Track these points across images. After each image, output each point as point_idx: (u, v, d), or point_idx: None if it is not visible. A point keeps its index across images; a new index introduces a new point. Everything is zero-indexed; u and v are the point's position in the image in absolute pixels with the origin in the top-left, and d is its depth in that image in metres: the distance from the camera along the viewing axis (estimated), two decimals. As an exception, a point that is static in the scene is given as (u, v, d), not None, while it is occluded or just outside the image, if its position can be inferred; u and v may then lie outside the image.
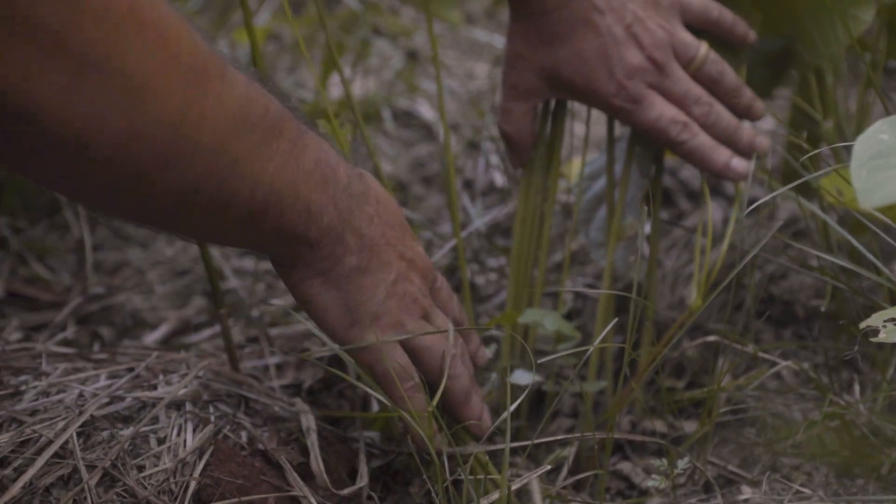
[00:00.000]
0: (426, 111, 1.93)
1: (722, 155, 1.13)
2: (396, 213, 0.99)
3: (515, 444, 1.10)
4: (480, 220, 1.49)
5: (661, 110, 1.11)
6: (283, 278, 0.95)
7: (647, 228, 1.40)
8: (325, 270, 0.93)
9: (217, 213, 0.82)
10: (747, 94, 1.17)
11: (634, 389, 1.14)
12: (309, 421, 1.04)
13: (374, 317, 0.95)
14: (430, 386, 1.00)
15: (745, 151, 1.15)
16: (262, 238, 0.89)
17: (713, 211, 1.62)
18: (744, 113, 1.17)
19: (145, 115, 0.72)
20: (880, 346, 1.08)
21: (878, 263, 1.05)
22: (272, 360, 1.27)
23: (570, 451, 1.14)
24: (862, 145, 0.79)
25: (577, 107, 1.23)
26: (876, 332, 0.87)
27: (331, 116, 1.08)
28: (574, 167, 1.56)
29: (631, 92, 1.11)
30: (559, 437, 1.14)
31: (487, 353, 1.14)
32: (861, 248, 1.03)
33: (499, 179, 1.71)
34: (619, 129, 1.22)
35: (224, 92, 0.77)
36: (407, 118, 1.93)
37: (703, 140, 1.13)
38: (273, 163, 0.83)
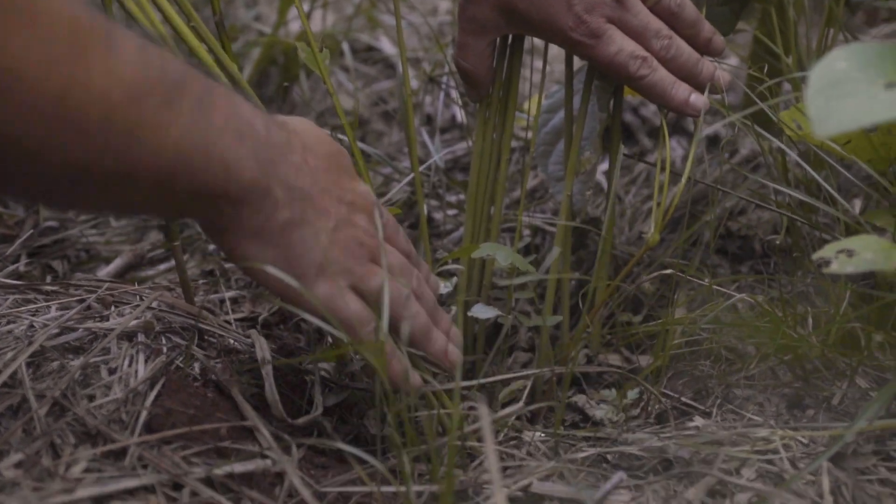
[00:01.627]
0: (387, 46, 1.90)
1: (681, 90, 1.12)
2: (331, 155, 0.96)
3: (468, 383, 1.10)
4: (439, 155, 1.48)
5: (620, 45, 1.10)
6: (218, 245, 0.92)
7: (606, 163, 1.39)
8: (257, 229, 0.89)
9: (120, 184, 0.79)
10: (707, 28, 1.16)
11: (590, 324, 1.14)
12: (264, 352, 1.03)
13: (318, 268, 0.92)
14: (392, 328, 0.98)
15: (704, 86, 1.14)
16: (180, 204, 0.86)
17: (674, 148, 1.61)
18: (703, 48, 1.16)
19: (24, 98, 0.71)
20: (834, 279, 1.08)
21: (836, 195, 1.05)
22: (228, 294, 1.26)
23: (525, 385, 1.14)
24: (818, 73, 0.78)
25: (538, 43, 1.22)
26: (828, 263, 0.87)
27: (312, 41, 1.07)
28: (534, 104, 1.55)
29: (590, 26, 1.09)
30: (514, 375, 1.14)
31: (446, 285, 1.14)
32: (819, 178, 1.03)
33: (459, 115, 1.70)
34: (578, 63, 1.21)
35: (111, 62, 0.75)
36: (368, 54, 1.91)
37: (662, 75, 1.12)
38: (177, 125, 0.80)
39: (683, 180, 1.09)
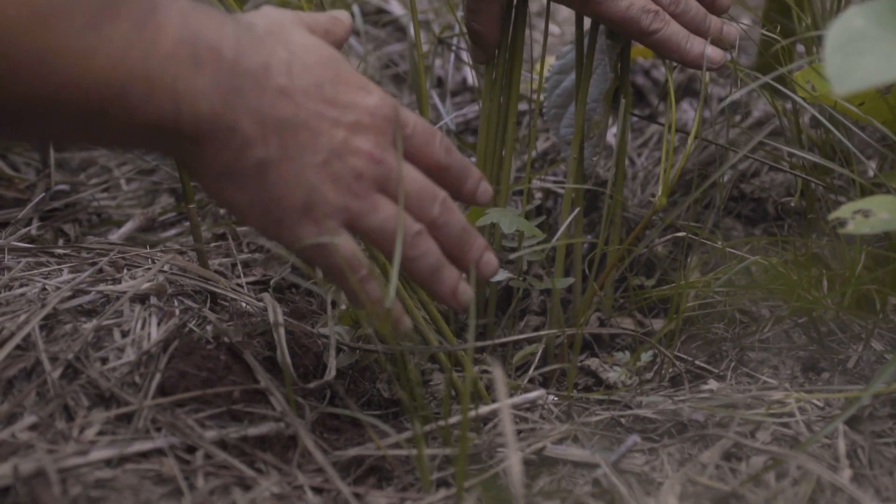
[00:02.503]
0: (397, 8, 1.89)
1: (696, 44, 1.10)
2: (325, 64, 0.83)
3: (481, 344, 1.10)
4: (450, 117, 1.47)
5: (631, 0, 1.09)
6: (198, 183, 0.84)
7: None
8: (226, 168, 0.80)
9: (40, 113, 0.73)
10: None
11: (601, 287, 1.14)
12: (276, 314, 1.03)
13: (303, 210, 0.82)
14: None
15: (714, 40, 1.12)
16: (128, 137, 0.77)
17: (686, 110, 1.60)
18: (709, 5, 1.14)
19: None
20: (849, 240, 1.07)
21: (857, 152, 1.04)
22: (240, 258, 1.25)
23: (537, 348, 1.13)
24: (836, 31, 0.77)
25: (546, 6, 1.20)
26: (844, 223, 0.87)
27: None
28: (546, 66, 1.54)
29: None
30: (525, 336, 1.14)
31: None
32: (839, 135, 1.02)
33: (470, 78, 1.69)
34: (588, 23, 1.20)
35: None
36: (377, 16, 1.90)
37: (675, 29, 1.10)
38: (104, 51, 0.71)
39: (690, 141, 1.09)
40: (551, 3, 1.15)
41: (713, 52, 1.11)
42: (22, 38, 0.68)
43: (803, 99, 1.12)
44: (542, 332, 1.13)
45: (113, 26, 0.71)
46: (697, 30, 1.12)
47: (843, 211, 0.88)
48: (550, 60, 1.30)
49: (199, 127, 0.77)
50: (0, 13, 0.67)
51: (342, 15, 0.92)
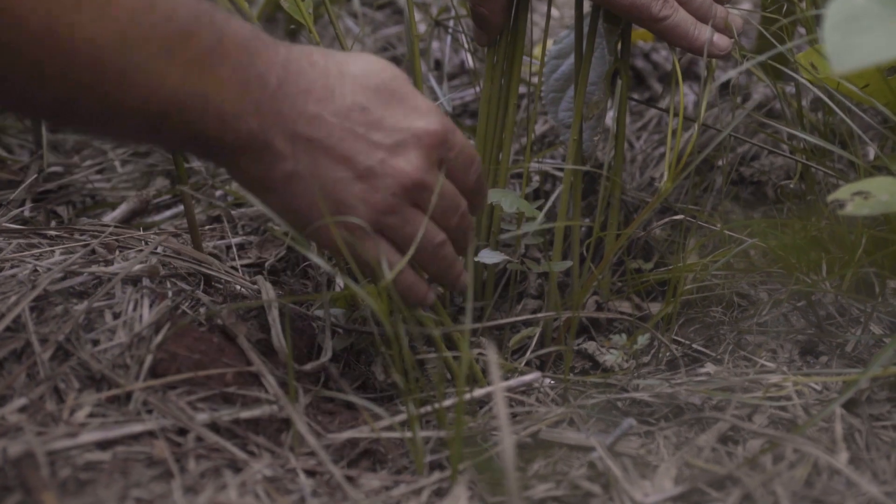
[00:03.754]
0: (395, -9, 1.88)
1: (704, 31, 1.10)
2: (380, 93, 0.90)
3: (476, 326, 1.09)
4: (446, 98, 1.46)
5: None
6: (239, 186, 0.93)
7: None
8: (258, 177, 0.88)
9: (109, 121, 0.83)
10: None
11: (600, 271, 1.13)
12: (270, 296, 1.02)
13: (333, 218, 0.89)
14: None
15: (719, 28, 1.11)
16: (176, 144, 0.89)
17: (686, 93, 1.59)
18: None
19: (8, 33, 0.74)
20: (849, 223, 1.06)
21: (861, 134, 1.03)
22: (234, 240, 1.24)
23: (534, 331, 1.13)
24: (835, 8, 0.76)
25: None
26: (843, 205, 0.86)
27: None
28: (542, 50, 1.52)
29: None
30: (521, 318, 1.13)
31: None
32: (842, 115, 1.01)
33: (468, 61, 1.67)
34: (588, 7, 1.18)
35: (105, 5, 0.77)
36: (376, -1, 1.89)
37: (683, 16, 1.09)
38: (175, 74, 0.81)
39: (697, 126, 1.08)
40: None
41: (719, 40, 1.10)
42: (108, 56, 0.78)
43: (806, 80, 1.11)
44: (538, 315, 1.13)
45: (183, 52, 0.81)
46: (704, 17, 1.11)
47: (842, 193, 0.87)
48: (549, 45, 1.29)
49: (238, 143, 0.85)
50: (94, 35, 0.76)
51: None
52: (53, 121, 0.87)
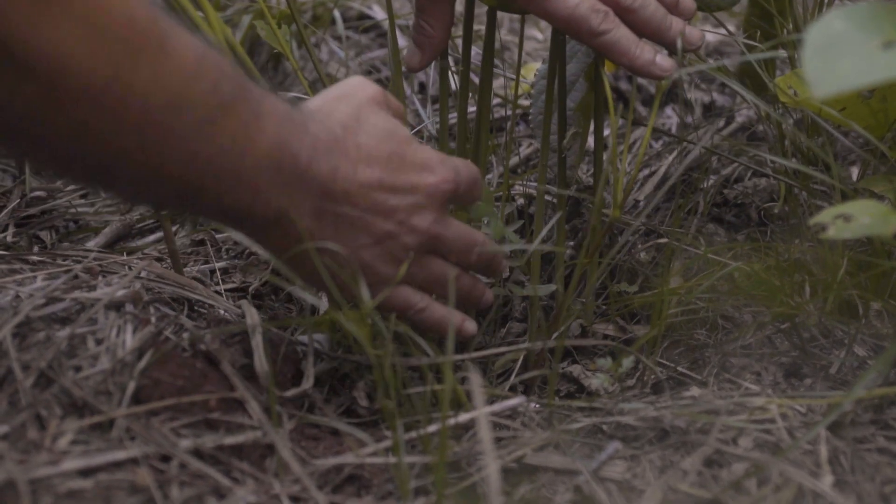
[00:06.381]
0: (379, 13, 1.88)
1: (646, 50, 1.04)
2: (392, 160, 0.95)
3: (460, 357, 1.08)
4: (430, 122, 1.46)
5: None
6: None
7: (606, 131, 1.38)
8: (286, 249, 0.92)
9: (151, 182, 0.83)
10: None
11: (580, 295, 1.13)
12: (254, 321, 1.02)
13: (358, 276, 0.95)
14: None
15: (673, 42, 1.05)
16: (206, 210, 0.91)
17: (669, 115, 1.60)
18: (671, 8, 1.07)
19: (66, 87, 0.74)
20: (832, 246, 1.07)
21: (833, 160, 1.04)
22: (218, 265, 1.24)
23: (518, 356, 1.12)
24: (815, 34, 0.77)
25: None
26: (825, 228, 0.86)
27: (270, 18, 1.05)
28: (527, 71, 1.53)
29: None
30: (505, 349, 1.13)
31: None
32: (835, 133, 1.01)
33: (453, 83, 1.67)
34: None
35: (161, 66, 0.77)
36: (359, 21, 1.89)
37: (624, 32, 1.03)
38: (216, 143, 0.82)
39: (642, 150, 1.07)
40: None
41: (662, 61, 1.05)
42: (154, 118, 0.79)
43: (784, 105, 1.11)
44: (520, 346, 1.12)
45: (225, 123, 0.83)
46: (656, 30, 1.05)
47: (824, 216, 0.87)
48: (537, 66, 1.29)
49: (267, 216, 0.89)
50: (145, 97, 0.77)
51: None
52: (90, 184, 0.88)
